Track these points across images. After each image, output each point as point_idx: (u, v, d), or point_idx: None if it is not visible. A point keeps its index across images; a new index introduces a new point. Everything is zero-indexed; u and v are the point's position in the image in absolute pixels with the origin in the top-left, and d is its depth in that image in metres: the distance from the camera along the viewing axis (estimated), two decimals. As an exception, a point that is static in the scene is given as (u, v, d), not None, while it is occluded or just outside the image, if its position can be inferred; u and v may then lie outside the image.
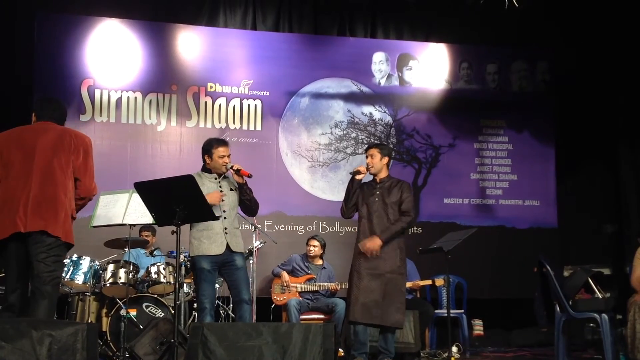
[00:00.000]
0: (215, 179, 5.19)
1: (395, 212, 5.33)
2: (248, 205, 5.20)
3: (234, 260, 5.05)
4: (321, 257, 7.19)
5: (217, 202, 5.00)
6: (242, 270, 5.09)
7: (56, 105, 4.43)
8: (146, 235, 6.98)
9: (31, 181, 4.02)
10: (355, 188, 5.39)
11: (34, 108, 4.42)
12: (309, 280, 7.04)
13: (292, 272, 7.09)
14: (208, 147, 5.19)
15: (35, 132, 4.21)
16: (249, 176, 5.07)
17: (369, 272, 5.21)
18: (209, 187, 5.11)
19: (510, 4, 7.90)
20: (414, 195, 8.21)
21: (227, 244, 5.02)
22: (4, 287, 4.18)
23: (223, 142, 5.23)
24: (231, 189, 5.17)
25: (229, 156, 5.15)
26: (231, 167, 5.09)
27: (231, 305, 6.74)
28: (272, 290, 7.08)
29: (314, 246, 7.13)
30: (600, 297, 5.66)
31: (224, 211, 5.08)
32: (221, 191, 5.12)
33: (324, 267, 7.17)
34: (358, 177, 5.39)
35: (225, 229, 5.04)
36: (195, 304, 6.57)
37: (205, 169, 5.23)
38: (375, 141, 8.15)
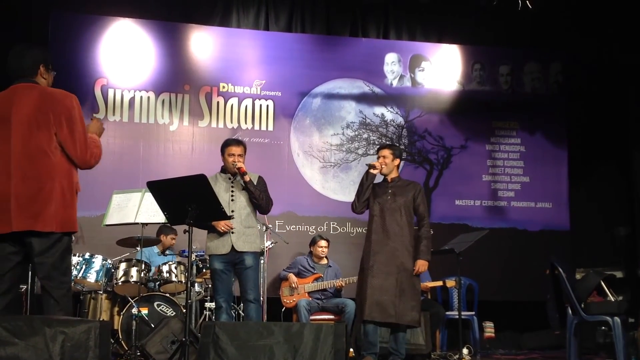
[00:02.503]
0: (229, 179, 5.28)
1: (408, 211, 5.35)
2: (256, 203, 5.25)
3: (243, 260, 5.14)
4: (326, 256, 7.21)
5: (219, 228, 5.07)
6: (250, 269, 5.14)
7: (24, 53, 3.74)
8: (172, 238, 7.01)
9: (11, 171, 3.53)
10: (369, 182, 5.38)
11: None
12: (316, 279, 7.05)
13: (299, 274, 7.10)
14: (222, 147, 5.33)
15: (10, 103, 3.61)
16: (244, 173, 5.12)
17: (382, 270, 5.20)
18: (221, 187, 5.21)
19: (523, 5, 7.88)
20: (425, 196, 8.26)
21: (232, 244, 5.10)
22: None
23: (234, 142, 5.32)
24: (243, 189, 5.22)
25: (239, 155, 5.21)
26: (235, 166, 5.15)
27: (242, 304, 6.76)
28: (281, 293, 7.09)
29: (325, 247, 7.14)
30: (613, 300, 5.63)
31: (233, 211, 5.15)
32: (232, 191, 5.20)
33: (330, 266, 7.20)
34: (373, 171, 5.38)
35: (232, 229, 5.10)
36: (206, 303, 6.64)
37: (223, 169, 5.34)
38: (387, 142, 8.16)
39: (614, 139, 8.64)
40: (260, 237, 5.36)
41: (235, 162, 5.16)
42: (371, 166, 5.39)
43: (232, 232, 5.11)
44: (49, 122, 3.60)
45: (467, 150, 8.57)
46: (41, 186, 3.57)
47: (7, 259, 3.59)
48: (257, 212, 5.38)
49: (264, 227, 6.80)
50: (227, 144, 5.31)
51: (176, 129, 7.96)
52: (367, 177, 5.40)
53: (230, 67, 8.18)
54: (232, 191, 5.22)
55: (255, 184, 5.23)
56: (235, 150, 5.22)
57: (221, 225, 5.07)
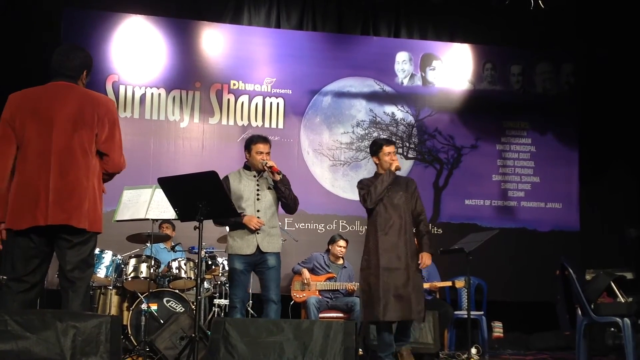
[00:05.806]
0: (254, 176, 5.17)
1: (407, 206, 5.38)
2: (285, 203, 5.15)
3: (267, 260, 5.06)
4: (342, 256, 7.20)
5: (252, 226, 4.99)
6: (274, 269, 5.08)
7: (74, 54, 3.87)
8: (167, 228, 7.03)
9: (50, 166, 3.57)
10: (391, 179, 5.38)
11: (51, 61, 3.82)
12: (329, 279, 7.05)
13: (313, 271, 7.10)
14: (248, 143, 5.18)
15: (52, 100, 3.67)
16: (279, 173, 5.03)
17: (392, 267, 5.20)
18: (246, 184, 5.13)
19: (535, 5, 7.85)
20: (434, 196, 8.27)
21: (258, 244, 5.03)
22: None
23: (263, 139, 5.17)
24: (269, 187, 5.12)
25: (268, 153, 5.10)
26: (266, 164, 5.04)
27: (251, 302, 6.78)
28: (292, 287, 7.09)
29: (344, 247, 7.13)
30: (623, 301, 5.61)
31: (258, 211, 5.07)
32: (258, 189, 5.12)
33: (345, 267, 7.18)
34: (396, 169, 5.40)
35: (257, 229, 5.03)
36: (215, 300, 6.66)
37: (246, 165, 5.22)
38: (395, 140, 8.16)
39: (625, 140, 8.60)
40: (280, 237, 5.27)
41: (264, 159, 5.04)
42: (396, 167, 5.40)
43: (258, 233, 5.02)
44: (93, 123, 3.69)
45: (477, 149, 8.56)
46: (78, 181, 3.62)
47: (33, 257, 3.62)
48: (279, 212, 5.28)
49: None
50: (254, 141, 5.14)
51: (187, 126, 7.98)
52: (390, 174, 5.41)
53: (241, 65, 8.19)
54: (258, 190, 5.12)
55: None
56: (264, 148, 5.09)
57: (254, 222, 4.98)
